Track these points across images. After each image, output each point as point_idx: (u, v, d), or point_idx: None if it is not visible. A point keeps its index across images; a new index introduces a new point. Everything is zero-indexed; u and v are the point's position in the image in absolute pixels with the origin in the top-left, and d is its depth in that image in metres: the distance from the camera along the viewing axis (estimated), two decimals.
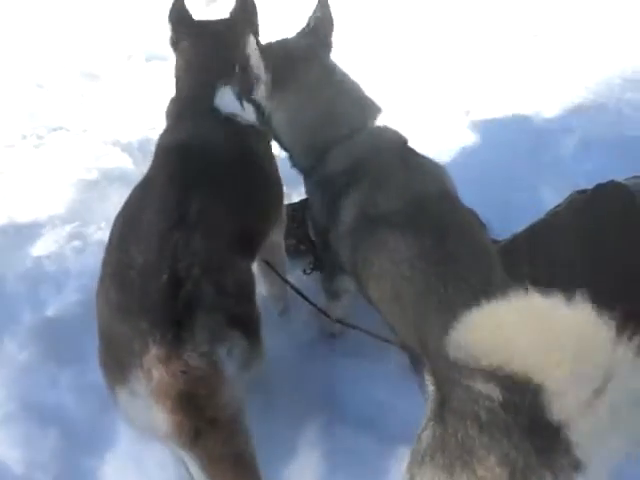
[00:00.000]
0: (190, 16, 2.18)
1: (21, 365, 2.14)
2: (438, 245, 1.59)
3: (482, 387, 1.27)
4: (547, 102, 3.30)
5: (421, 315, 1.54)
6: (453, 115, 3.29)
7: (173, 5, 2.16)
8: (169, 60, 3.67)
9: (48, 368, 2.13)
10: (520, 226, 2.24)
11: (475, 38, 3.75)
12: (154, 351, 1.41)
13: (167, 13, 2.17)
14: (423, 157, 1.86)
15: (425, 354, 1.53)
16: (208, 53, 2.12)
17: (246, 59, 1.84)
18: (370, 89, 1.95)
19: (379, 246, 1.66)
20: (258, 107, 1.92)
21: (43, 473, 1.92)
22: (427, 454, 1.36)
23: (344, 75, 1.93)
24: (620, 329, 1.14)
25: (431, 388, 1.47)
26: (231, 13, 2.21)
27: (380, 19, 3.84)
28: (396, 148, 1.83)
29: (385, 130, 1.88)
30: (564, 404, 1.16)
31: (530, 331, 1.19)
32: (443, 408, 1.36)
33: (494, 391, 1.25)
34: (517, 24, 3.87)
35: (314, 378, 2.12)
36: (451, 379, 1.37)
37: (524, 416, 1.22)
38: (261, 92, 1.88)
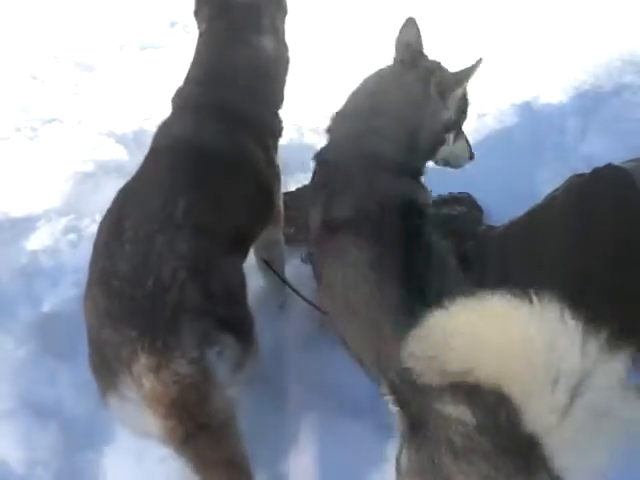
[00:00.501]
0: None
1: (19, 361, 2.13)
2: (396, 258, 1.53)
3: (452, 411, 1.23)
4: (546, 86, 3.27)
5: (378, 332, 1.48)
6: None
7: None
8: (163, 49, 3.67)
9: (46, 364, 2.12)
10: (519, 211, 2.22)
11: (472, 23, 3.70)
12: (143, 360, 1.40)
13: None
14: None
15: (383, 372, 1.48)
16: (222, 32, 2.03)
17: None
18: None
19: (332, 257, 1.63)
20: None
21: (44, 469, 1.92)
22: (407, 477, 1.34)
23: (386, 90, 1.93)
24: (589, 329, 1.07)
25: (395, 409, 1.43)
26: None
27: (378, 5, 3.80)
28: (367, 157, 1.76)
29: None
30: (537, 413, 1.11)
31: (494, 335, 1.12)
32: (414, 431, 1.33)
33: (465, 414, 1.21)
34: (514, 8, 3.82)
35: (312, 368, 2.11)
36: (416, 401, 1.33)
37: (501, 436, 1.18)
38: None
